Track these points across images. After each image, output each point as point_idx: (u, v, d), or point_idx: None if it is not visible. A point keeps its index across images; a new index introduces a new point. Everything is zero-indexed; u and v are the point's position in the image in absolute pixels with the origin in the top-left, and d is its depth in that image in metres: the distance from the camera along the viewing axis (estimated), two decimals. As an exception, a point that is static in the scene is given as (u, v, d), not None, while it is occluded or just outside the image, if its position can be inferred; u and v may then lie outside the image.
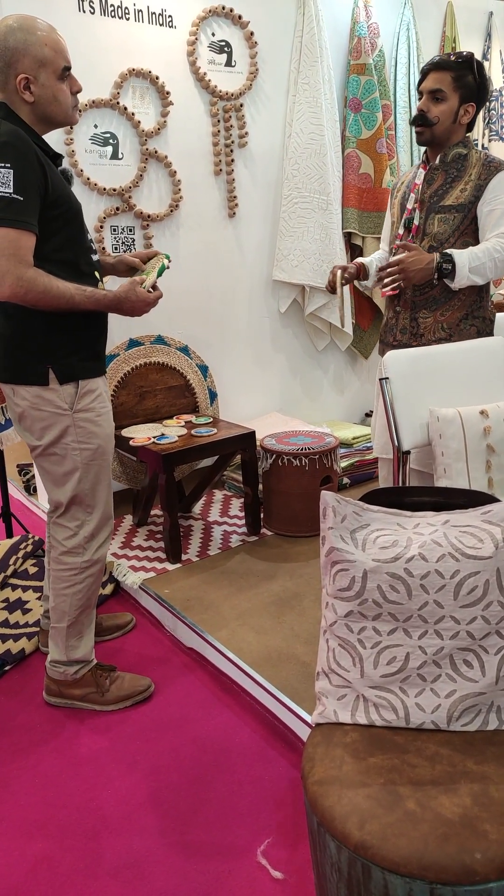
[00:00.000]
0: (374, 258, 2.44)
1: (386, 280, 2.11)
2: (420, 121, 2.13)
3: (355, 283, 2.46)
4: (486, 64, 4.31)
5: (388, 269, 2.08)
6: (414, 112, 2.19)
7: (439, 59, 2.11)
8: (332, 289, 2.29)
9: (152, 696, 2.00)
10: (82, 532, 1.85)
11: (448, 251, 2.05)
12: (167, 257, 1.93)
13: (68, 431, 1.75)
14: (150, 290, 1.81)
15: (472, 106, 2.11)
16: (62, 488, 1.81)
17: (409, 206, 2.22)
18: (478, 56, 4.23)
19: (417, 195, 2.19)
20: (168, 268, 1.91)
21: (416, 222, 2.19)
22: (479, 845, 0.93)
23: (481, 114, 4.31)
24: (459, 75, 2.08)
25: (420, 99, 2.14)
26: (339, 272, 2.26)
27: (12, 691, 2.05)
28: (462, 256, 2.03)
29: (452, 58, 2.10)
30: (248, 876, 1.43)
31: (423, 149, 2.29)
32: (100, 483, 1.84)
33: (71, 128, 2.73)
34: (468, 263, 2.03)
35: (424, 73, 2.13)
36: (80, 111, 2.72)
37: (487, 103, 4.28)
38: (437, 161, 2.18)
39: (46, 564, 2.06)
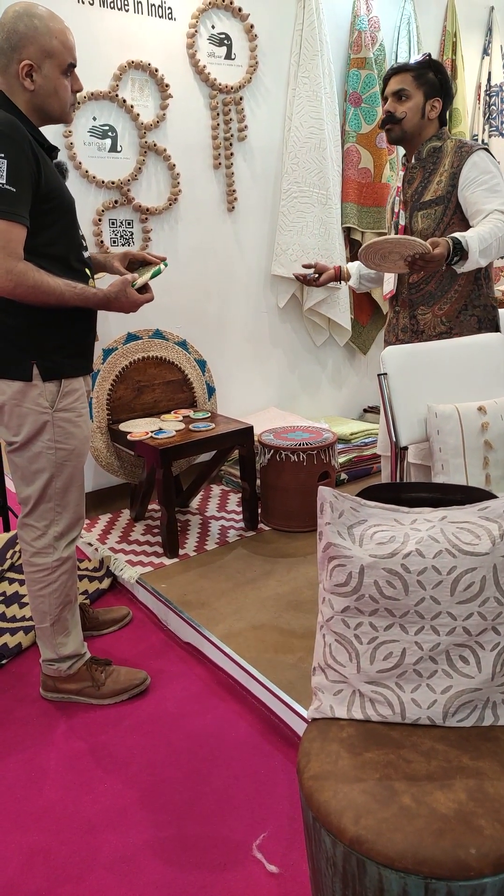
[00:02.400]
0: (359, 266, 2.49)
1: (411, 265, 2.05)
2: (388, 120, 2.18)
3: (337, 283, 2.53)
4: (486, 59, 4.29)
5: (416, 264, 1.99)
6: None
7: (397, 65, 2.19)
8: (304, 279, 2.47)
9: (148, 690, 2.00)
10: (51, 531, 1.82)
11: (457, 236, 1.96)
12: (164, 264, 1.92)
13: (46, 429, 1.73)
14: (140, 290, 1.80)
15: (438, 101, 2.17)
16: (31, 486, 1.78)
17: (396, 208, 2.25)
18: (478, 51, 4.28)
19: (401, 196, 2.22)
20: (160, 272, 1.90)
21: (402, 223, 2.20)
22: (473, 840, 0.93)
23: (480, 109, 4.30)
24: (419, 74, 2.15)
25: (385, 104, 2.20)
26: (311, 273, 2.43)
27: (8, 685, 2.05)
28: (473, 241, 1.97)
29: (412, 60, 2.18)
30: (243, 870, 1.43)
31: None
32: (72, 484, 1.82)
33: (69, 120, 2.72)
34: (478, 247, 1.97)
35: (386, 80, 2.21)
36: (75, 108, 2.72)
37: (488, 98, 4.27)
38: (414, 160, 2.20)
39: None
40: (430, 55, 2.19)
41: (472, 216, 2.09)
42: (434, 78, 2.15)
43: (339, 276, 2.48)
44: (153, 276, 1.84)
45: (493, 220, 2.01)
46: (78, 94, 2.67)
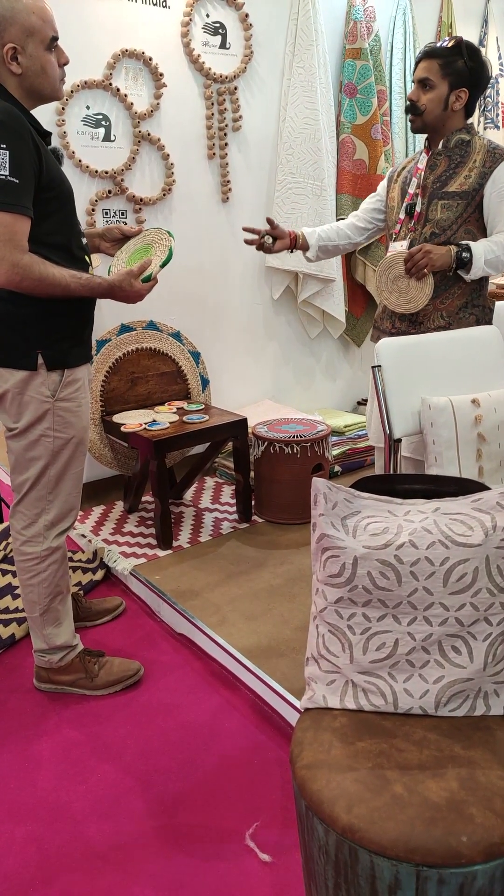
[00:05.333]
0: (319, 231, 2.39)
1: (412, 269, 2.07)
2: (410, 110, 2.16)
3: (296, 253, 2.42)
4: (482, 50, 4.26)
5: (414, 257, 2.05)
6: None
7: (429, 48, 2.12)
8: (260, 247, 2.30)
9: (142, 680, 2.00)
10: (41, 520, 1.82)
11: (464, 242, 2.05)
12: (171, 236, 1.87)
13: (46, 418, 1.73)
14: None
15: (464, 91, 2.10)
16: (25, 473, 1.78)
17: (411, 190, 2.20)
18: (474, 42, 4.24)
19: (420, 180, 2.18)
20: (170, 260, 1.86)
21: (417, 209, 2.17)
22: (465, 829, 0.94)
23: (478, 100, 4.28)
24: (448, 62, 2.08)
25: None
26: (265, 237, 2.27)
27: (2, 676, 2.05)
28: (478, 248, 2.04)
29: (445, 44, 2.10)
30: (236, 859, 1.44)
31: (421, 136, 2.29)
32: (67, 474, 1.81)
33: (63, 108, 2.70)
34: (484, 255, 2.04)
35: (416, 63, 2.15)
36: (69, 95, 2.69)
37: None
38: (440, 146, 2.16)
39: None
40: (461, 39, 2.09)
41: (490, 228, 2.12)
42: (463, 66, 2.07)
43: (295, 244, 2.34)
44: (163, 266, 1.81)
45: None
46: (73, 84, 2.68)
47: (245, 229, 2.29)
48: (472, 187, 2.10)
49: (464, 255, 2.04)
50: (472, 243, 2.05)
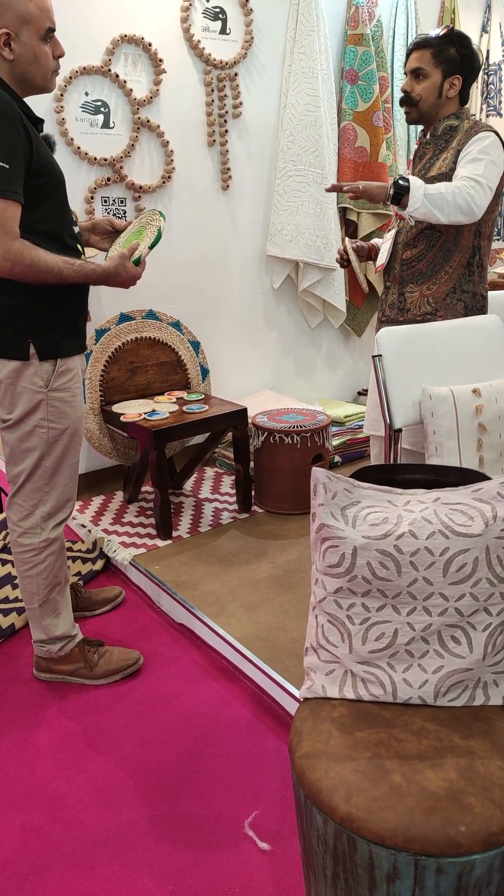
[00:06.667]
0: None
1: (346, 188, 2.17)
2: (405, 101, 2.15)
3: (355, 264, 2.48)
4: (485, 36, 4.23)
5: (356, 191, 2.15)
6: None
7: (419, 38, 2.12)
8: (343, 262, 2.32)
9: (141, 670, 2.00)
10: (38, 512, 1.81)
11: (407, 175, 2.01)
12: (162, 216, 1.85)
13: (40, 408, 1.72)
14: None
15: (458, 78, 2.10)
16: (21, 464, 1.77)
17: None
18: (477, 29, 4.22)
19: (411, 171, 2.20)
20: (160, 239, 1.85)
21: None
22: (463, 818, 0.94)
23: (478, 88, 4.24)
24: (439, 50, 2.08)
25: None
26: (349, 246, 2.31)
27: (2, 666, 2.05)
28: (419, 181, 1.98)
29: (435, 34, 2.10)
30: (235, 847, 1.45)
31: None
32: (63, 465, 1.80)
33: (61, 95, 2.67)
34: (425, 189, 1.95)
35: (408, 55, 2.15)
36: (68, 80, 2.67)
37: (486, 77, 4.22)
38: (428, 136, 2.17)
39: None
40: (451, 28, 2.11)
41: None
42: (455, 54, 2.08)
43: (369, 255, 2.41)
44: (152, 246, 1.80)
45: (455, 182, 2.01)
46: (71, 69, 2.66)
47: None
48: (448, 168, 2.08)
49: (401, 181, 1.95)
50: (414, 177, 1.99)
